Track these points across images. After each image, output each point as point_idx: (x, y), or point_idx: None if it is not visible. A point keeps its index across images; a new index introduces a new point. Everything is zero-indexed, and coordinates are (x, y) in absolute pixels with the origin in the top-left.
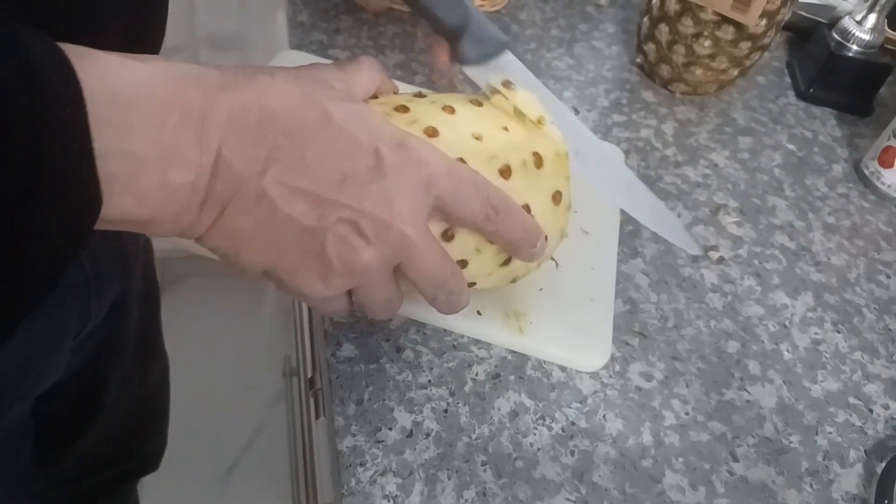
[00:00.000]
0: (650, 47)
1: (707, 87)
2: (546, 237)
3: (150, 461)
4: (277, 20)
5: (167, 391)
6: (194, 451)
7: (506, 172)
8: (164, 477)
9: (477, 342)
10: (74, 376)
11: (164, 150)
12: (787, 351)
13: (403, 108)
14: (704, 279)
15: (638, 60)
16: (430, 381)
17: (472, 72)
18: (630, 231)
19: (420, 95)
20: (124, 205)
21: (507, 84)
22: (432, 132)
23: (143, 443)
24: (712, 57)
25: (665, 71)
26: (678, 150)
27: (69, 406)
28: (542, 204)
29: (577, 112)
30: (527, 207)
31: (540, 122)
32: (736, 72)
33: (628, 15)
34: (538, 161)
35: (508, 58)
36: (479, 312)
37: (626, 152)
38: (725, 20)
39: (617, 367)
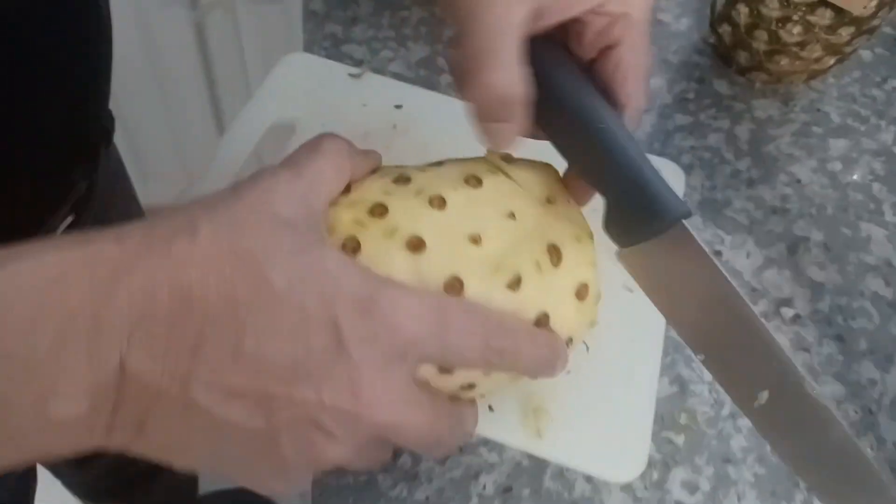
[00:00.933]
0: (725, 29)
1: (795, 78)
2: (571, 339)
3: None
4: None
5: None
6: None
7: (515, 284)
8: None
9: (487, 442)
10: None
11: (39, 376)
12: (872, 448)
13: (380, 210)
14: None
15: (711, 41)
16: (427, 497)
17: (629, 261)
18: None
19: (402, 179)
20: None
21: (507, 158)
22: (417, 243)
23: None
24: (802, 45)
25: (743, 58)
26: (753, 161)
27: None
28: (564, 305)
29: None
30: (544, 317)
31: (550, 200)
32: (832, 60)
33: None
34: (555, 256)
35: (684, 237)
36: (490, 408)
37: (689, 168)
38: (821, 2)
39: (655, 476)
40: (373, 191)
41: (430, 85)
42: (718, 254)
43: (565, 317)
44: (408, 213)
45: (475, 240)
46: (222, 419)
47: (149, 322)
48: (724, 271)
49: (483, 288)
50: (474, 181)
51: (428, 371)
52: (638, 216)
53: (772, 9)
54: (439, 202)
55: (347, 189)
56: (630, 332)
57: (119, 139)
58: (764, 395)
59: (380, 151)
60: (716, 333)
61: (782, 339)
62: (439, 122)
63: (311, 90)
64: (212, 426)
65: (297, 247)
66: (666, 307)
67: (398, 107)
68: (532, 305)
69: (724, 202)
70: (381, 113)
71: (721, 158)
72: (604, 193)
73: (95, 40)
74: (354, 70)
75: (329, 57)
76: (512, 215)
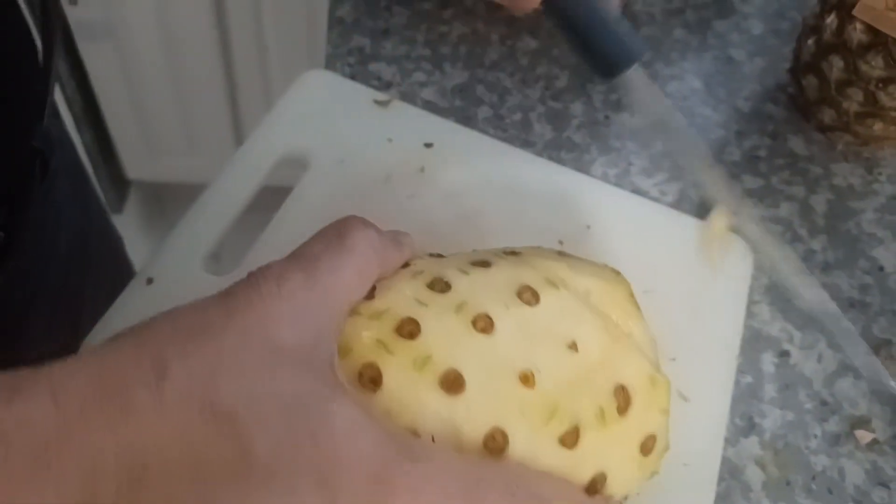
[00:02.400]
0: (810, 81)
1: (885, 144)
2: (626, 497)
3: None
4: None
5: None
6: None
7: (570, 438)
8: None
9: None
10: None
11: None
12: None
13: (410, 328)
14: (846, 477)
15: (790, 90)
16: None
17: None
18: (748, 386)
19: (439, 284)
20: None
21: (570, 261)
22: (454, 381)
23: None
24: None
25: (827, 116)
26: (830, 240)
27: None
28: (626, 461)
29: None
30: (600, 477)
31: (621, 323)
32: None
33: (783, 5)
34: (623, 401)
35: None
36: None
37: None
38: None
39: None
40: (402, 299)
41: (467, 119)
42: (786, 353)
43: (625, 474)
44: (445, 336)
45: (526, 379)
46: None
47: None
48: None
49: (531, 443)
50: (529, 295)
51: None
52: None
53: (874, 67)
54: (485, 324)
55: (371, 289)
56: (684, 450)
57: (134, 142)
58: None
59: (402, 200)
60: None
61: (856, 468)
62: (474, 167)
63: (330, 118)
64: None
65: (296, 398)
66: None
67: (428, 145)
68: (589, 464)
69: (795, 290)
70: (407, 151)
71: (794, 234)
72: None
73: (18, 70)
74: (381, 96)
75: (354, 76)
76: (574, 346)
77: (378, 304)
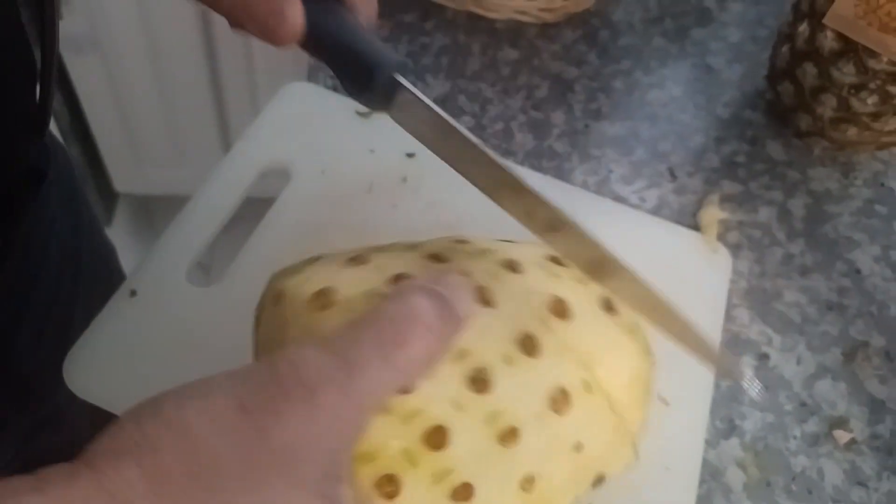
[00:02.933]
0: (786, 88)
1: (860, 149)
2: None
3: None
4: None
5: None
6: None
7: None
8: None
9: None
10: None
11: None
12: None
13: (439, 439)
14: (825, 477)
15: (768, 97)
16: None
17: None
18: (728, 389)
19: (479, 382)
20: None
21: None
22: (466, 492)
23: None
24: (876, 116)
25: (803, 122)
26: (808, 244)
27: None
28: None
29: (674, 177)
30: None
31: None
32: None
33: (761, 13)
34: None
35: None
36: None
37: (736, 248)
38: None
39: None
40: (438, 399)
41: None
42: (766, 356)
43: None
44: (470, 450)
45: (528, 483)
46: None
47: None
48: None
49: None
50: (562, 398)
51: None
52: (361, 81)
53: (845, 73)
54: (512, 437)
55: None
56: (664, 453)
57: (122, 155)
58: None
59: (385, 209)
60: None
61: (835, 468)
62: (456, 176)
63: (312, 129)
64: None
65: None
66: (447, 161)
67: (410, 155)
68: (569, 433)
69: (774, 293)
70: (390, 161)
71: (773, 239)
72: (334, 69)
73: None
74: (363, 108)
75: (336, 87)
76: (579, 447)
77: (413, 402)
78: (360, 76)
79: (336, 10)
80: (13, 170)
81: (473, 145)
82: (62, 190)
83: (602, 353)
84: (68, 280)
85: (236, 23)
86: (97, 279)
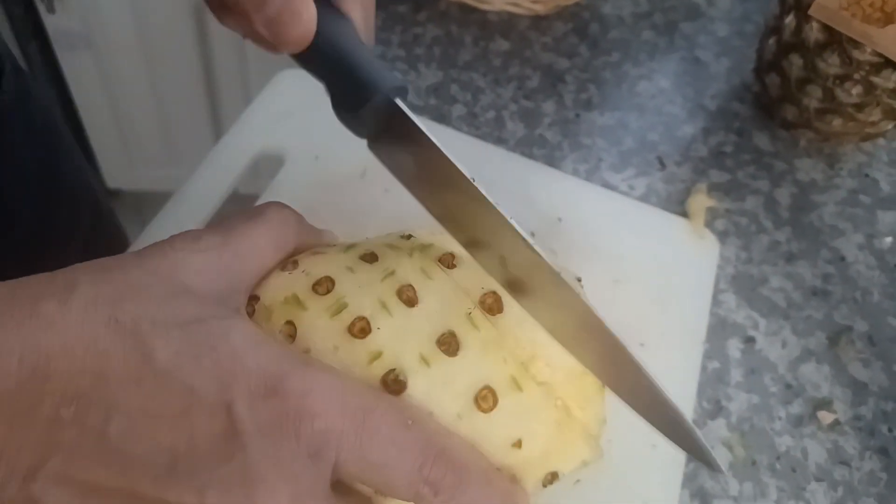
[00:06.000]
0: (773, 79)
1: (845, 139)
2: (556, 473)
3: None
4: None
5: None
6: None
7: (487, 401)
8: None
9: None
10: None
11: None
12: None
13: (327, 285)
14: (808, 457)
15: (755, 89)
16: None
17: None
18: (715, 371)
19: (369, 257)
20: None
21: (446, 259)
22: (362, 326)
23: None
24: (860, 107)
25: (790, 113)
26: (793, 232)
27: None
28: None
29: (662, 166)
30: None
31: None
32: (891, 125)
33: (748, 9)
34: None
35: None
36: None
37: (723, 235)
38: (889, 63)
39: None
40: (326, 264)
41: (441, 117)
42: (752, 340)
43: (546, 448)
44: (359, 287)
45: (443, 342)
46: None
47: None
48: (440, 147)
49: (433, 393)
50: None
51: (366, 487)
52: (357, 99)
53: (830, 64)
54: (409, 295)
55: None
56: (651, 436)
57: (114, 152)
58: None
59: (378, 194)
60: (458, 214)
61: (818, 448)
62: None
63: (305, 116)
64: None
65: (196, 317)
66: (418, 195)
67: None
68: (502, 431)
69: (760, 279)
70: None
71: (759, 227)
72: (329, 84)
73: None
74: None
75: None
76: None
77: (302, 266)
78: (355, 95)
79: (339, 21)
80: None
81: (468, 184)
82: (29, 123)
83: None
84: (40, 206)
85: (237, 11)
86: (78, 216)
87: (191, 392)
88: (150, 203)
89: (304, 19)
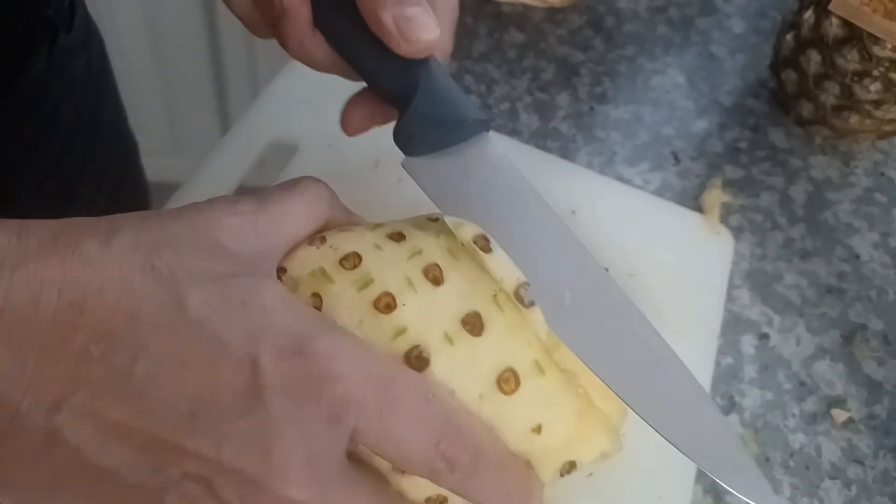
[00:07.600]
0: (789, 76)
1: (861, 137)
2: (574, 463)
3: None
4: None
5: None
6: None
7: (510, 383)
8: None
9: None
10: None
11: None
12: None
13: (354, 260)
14: (822, 455)
15: (770, 86)
16: None
17: (417, 170)
18: (728, 367)
19: (397, 236)
20: None
21: (480, 241)
22: (387, 302)
23: None
24: (878, 104)
25: (806, 110)
26: (808, 229)
27: None
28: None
29: (677, 160)
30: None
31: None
32: None
33: (763, 5)
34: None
35: (483, 146)
36: None
37: (738, 231)
38: None
39: None
40: (355, 240)
41: None
42: (766, 336)
43: (566, 436)
44: (388, 268)
45: (467, 323)
46: (93, 463)
47: (23, 327)
48: (525, 178)
49: (455, 372)
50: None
51: (383, 463)
52: (438, 125)
53: (849, 60)
54: (435, 275)
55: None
56: None
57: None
58: (567, 297)
59: (391, 183)
60: (518, 236)
61: (832, 446)
62: None
63: (319, 103)
64: (82, 472)
65: (231, 272)
66: (455, 212)
67: None
68: (522, 415)
69: (775, 276)
70: None
71: (774, 223)
72: (400, 104)
73: None
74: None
75: None
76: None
77: (330, 242)
78: (443, 127)
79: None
80: (29, 16)
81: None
82: (88, 65)
83: None
84: (79, 147)
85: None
86: (109, 164)
87: (219, 343)
88: (159, 194)
89: (435, 27)
